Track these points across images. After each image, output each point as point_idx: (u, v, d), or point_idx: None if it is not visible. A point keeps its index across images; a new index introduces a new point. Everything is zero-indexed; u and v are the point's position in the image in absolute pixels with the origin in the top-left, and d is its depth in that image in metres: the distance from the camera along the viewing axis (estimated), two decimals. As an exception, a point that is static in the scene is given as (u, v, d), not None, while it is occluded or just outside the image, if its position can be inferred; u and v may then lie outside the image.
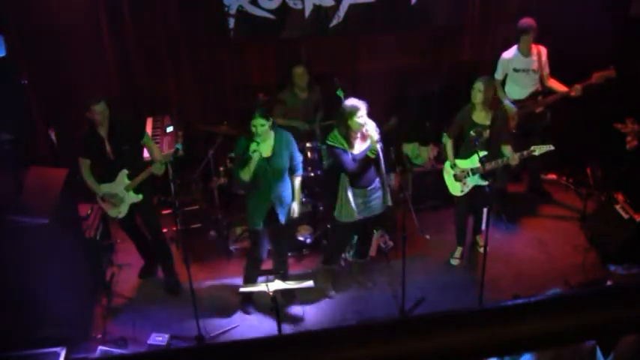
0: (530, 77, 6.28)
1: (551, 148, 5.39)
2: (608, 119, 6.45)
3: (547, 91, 6.33)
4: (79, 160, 5.47)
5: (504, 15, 7.13)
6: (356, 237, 5.98)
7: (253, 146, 5.00)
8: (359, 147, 5.26)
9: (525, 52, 6.22)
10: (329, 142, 5.30)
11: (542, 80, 6.30)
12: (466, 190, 5.75)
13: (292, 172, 5.39)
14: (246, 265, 5.68)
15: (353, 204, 5.39)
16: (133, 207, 5.63)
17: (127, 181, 5.50)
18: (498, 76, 6.37)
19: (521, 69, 6.26)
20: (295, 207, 5.44)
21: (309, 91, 6.58)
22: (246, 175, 5.12)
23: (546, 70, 6.28)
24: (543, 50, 6.25)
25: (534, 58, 6.22)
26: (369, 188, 5.39)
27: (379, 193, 5.47)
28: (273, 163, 5.17)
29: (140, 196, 5.57)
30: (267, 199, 5.28)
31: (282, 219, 5.38)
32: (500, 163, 5.54)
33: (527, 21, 6.16)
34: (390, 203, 5.55)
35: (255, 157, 5.02)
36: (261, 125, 5.02)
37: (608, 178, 6.70)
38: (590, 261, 6.00)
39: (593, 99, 6.17)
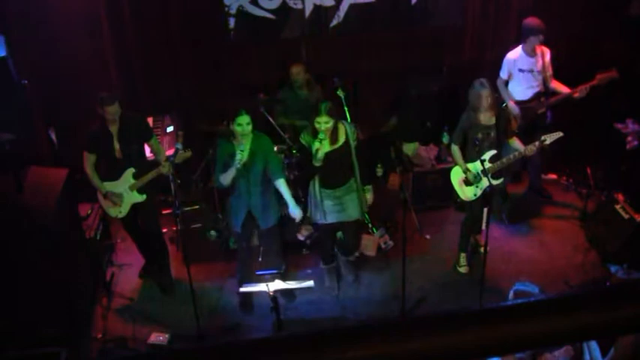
0: (535, 77, 6.27)
1: (561, 134, 5.38)
2: (609, 119, 6.45)
3: (550, 92, 6.33)
4: (84, 154, 5.44)
5: (505, 15, 7.13)
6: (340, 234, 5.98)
7: (239, 157, 4.98)
8: (327, 147, 5.18)
9: (530, 53, 6.21)
10: (301, 140, 5.31)
11: (545, 81, 6.29)
12: (479, 193, 5.66)
13: (274, 177, 5.29)
14: (237, 266, 5.72)
15: (320, 207, 5.39)
16: (135, 206, 5.63)
17: (132, 180, 5.50)
18: (504, 75, 6.37)
19: (526, 69, 6.25)
20: (293, 211, 5.35)
21: (308, 89, 6.59)
22: (226, 180, 5.12)
23: (549, 71, 6.27)
24: (546, 51, 6.23)
25: (538, 58, 6.22)
26: (338, 189, 5.37)
27: (351, 196, 5.41)
28: (249, 168, 5.15)
29: (144, 196, 5.57)
30: (244, 204, 5.29)
31: (263, 225, 5.39)
32: (515, 157, 5.53)
33: (537, 22, 6.08)
34: (364, 211, 5.55)
35: (239, 159, 5.00)
36: (247, 123, 5.00)
37: (608, 178, 6.70)
38: (590, 261, 6.00)
39: (594, 99, 6.17)
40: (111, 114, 5.27)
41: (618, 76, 5.94)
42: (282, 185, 5.30)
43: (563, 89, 6.22)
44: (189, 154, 5.49)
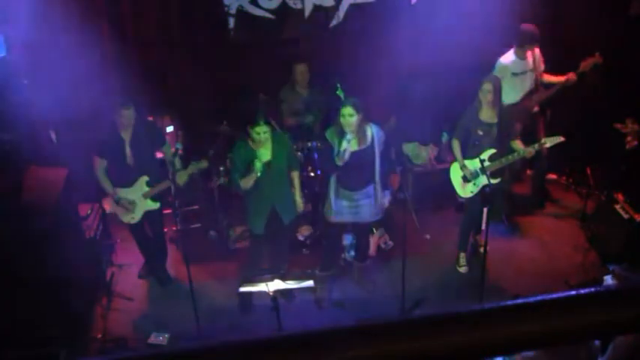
0: (528, 78, 6.26)
1: (561, 139, 5.42)
2: (608, 119, 6.44)
3: (542, 90, 6.31)
4: (95, 159, 5.40)
5: (504, 15, 7.11)
6: (351, 239, 5.96)
7: (257, 166, 4.97)
8: (355, 146, 5.15)
9: (522, 56, 6.19)
10: (326, 136, 5.26)
11: (537, 79, 6.28)
12: (476, 190, 5.68)
13: (290, 169, 5.40)
14: (247, 265, 5.69)
15: (335, 205, 5.36)
16: (146, 212, 5.60)
17: (147, 188, 5.46)
18: None
19: (519, 72, 6.22)
20: (298, 201, 5.47)
21: (309, 89, 6.59)
22: (247, 184, 5.10)
23: (541, 67, 6.27)
24: (536, 49, 6.22)
25: (529, 58, 6.21)
26: (356, 192, 5.32)
27: (369, 201, 5.37)
28: (273, 166, 5.16)
29: (157, 204, 5.54)
30: (268, 202, 5.28)
31: (285, 219, 5.39)
32: (514, 157, 5.54)
33: (534, 30, 6.06)
34: (378, 217, 5.51)
35: (258, 168, 5.00)
36: (264, 132, 5.00)
37: (608, 178, 6.70)
38: (590, 261, 6.00)
39: (593, 98, 6.16)
40: (126, 118, 5.22)
41: (601, 60, 5.95)
42: (295, 177, 5.46)
43: (557, 79, 6.21)
44: (205, 164, 5.47)
